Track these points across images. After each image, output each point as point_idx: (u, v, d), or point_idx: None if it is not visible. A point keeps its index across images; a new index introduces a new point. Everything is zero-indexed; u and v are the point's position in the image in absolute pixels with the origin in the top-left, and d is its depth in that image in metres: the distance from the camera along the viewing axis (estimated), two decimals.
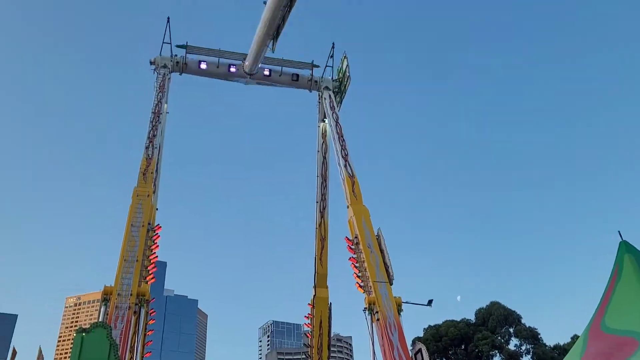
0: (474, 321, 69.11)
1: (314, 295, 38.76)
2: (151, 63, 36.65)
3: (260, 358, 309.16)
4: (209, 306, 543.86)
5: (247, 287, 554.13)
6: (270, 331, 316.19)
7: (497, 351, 65.21)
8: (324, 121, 39.85)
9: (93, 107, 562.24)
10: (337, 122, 35.17)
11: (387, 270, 26.74)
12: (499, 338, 65.96)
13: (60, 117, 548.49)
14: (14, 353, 41.30)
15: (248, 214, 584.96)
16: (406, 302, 26.79)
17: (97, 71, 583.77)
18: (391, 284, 26.44)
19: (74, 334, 20.48)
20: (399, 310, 25.60)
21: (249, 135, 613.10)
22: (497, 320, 66.82)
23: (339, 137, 33.84)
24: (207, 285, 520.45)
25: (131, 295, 25.40)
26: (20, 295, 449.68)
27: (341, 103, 38.61)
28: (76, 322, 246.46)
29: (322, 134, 40.61)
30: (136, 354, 26.87)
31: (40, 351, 40.11)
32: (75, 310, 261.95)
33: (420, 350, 23.65)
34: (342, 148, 33.10)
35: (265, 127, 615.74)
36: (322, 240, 39.46)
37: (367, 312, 25.89)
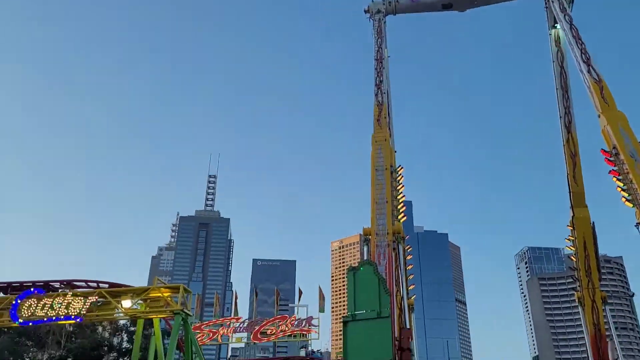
0: None
1: (573, 216, 36.26)
2: (365, 12, 37.66)
3: (521, 285, 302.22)
4: (460, 239, 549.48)
5: (495, 216, 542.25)
6: (527, 257, 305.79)
7: None
8: (555, 27, 36.00)
9: None
10: (571, 24, 31.49)
11: None
12: None
13: None
14: (300, 293, 48.20)
15: (483, 141, 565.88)
16: None
17: None
18: None
19: (346, 272, 23.19)
20: None
21: (472, 64, 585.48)
22: None
23: (576, 41, 30.32)
24: (455, 219, 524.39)
25: (387, 233, 27.53)
26: (296, 242, 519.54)
27: (573, 2, 34.27)
28: (342, 262, 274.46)
29: (555, 41, 36.79)
30: (402, 286, 29.10)
31: (320, 290, 46.13)
32: (340, 252, 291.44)
33: None
34: (582, 52, 29.63)
35: (480, 53, 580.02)
36: (573, 156, 36.37)
37: None
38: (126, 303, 29.42)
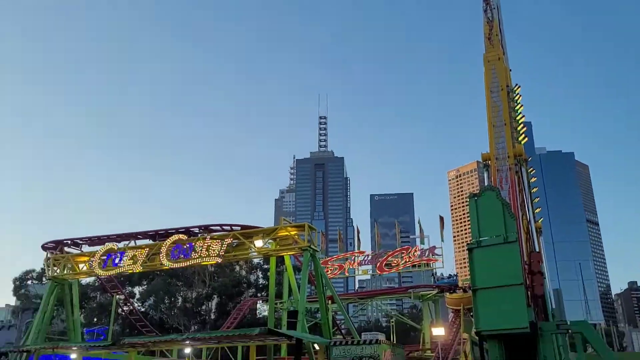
0: None
1: None
2: None
3: None
4: (587, 157, 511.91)
5: (625, 128, 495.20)
6: None
7: None
8: None
9: None
10: None
11: None
12: None
13: None
14: (420, 224, 48.27)
15: (604, 46, 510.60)
16: None
17: None
18: None
19: (468, 200, 22.80)
20: None
21: None
22: None
23: None
24: (580, 137, 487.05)
25: (508, 157, 26.39)
26: (412, 175, 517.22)
27: None
28: (461, 191, 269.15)
29: None
30: (527, 210, 28.08)
31: (441, 219, 46.00)
32: (457, 181, 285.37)
33: None
34: None
35: None
36: None
37: None
38: (258, 243, 31.63)
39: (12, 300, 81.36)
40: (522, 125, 30.26)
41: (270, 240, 31.72)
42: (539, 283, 22.34)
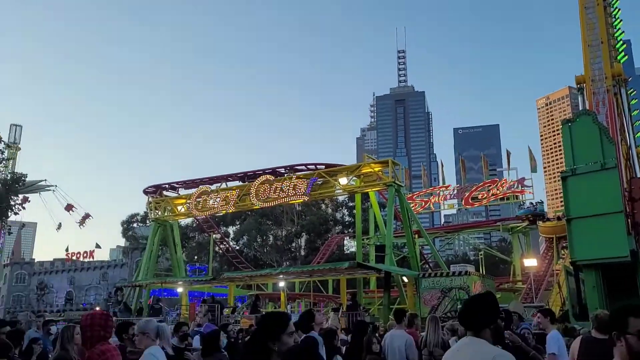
0: None
1: None
2: None
3: None
4: None
5: None
6: None
7: None
8: None
9: None
10: None
11: None
12: None
13: None
14: (508, 155, 46.70)
15: None
16: None
17: None
18: None
19: (561, 126, 21.65)
20: None
21: None
22: None
23: None
24: None
25: (606, 78, 24.55)
26: (497, 105, 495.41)
27: None
28: (551, 119, 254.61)
29: None
30: (627, 134, 26.32)
31: (530, 150, 44.23)
32: (547, 109, 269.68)
33: None
34: None
35: None
36: None
37: None
38: (342, 180, 32.11)
39: (122, 242, 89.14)
40: (621, 42, 27.95)
41: (354, 178, 32.07)
42: None
